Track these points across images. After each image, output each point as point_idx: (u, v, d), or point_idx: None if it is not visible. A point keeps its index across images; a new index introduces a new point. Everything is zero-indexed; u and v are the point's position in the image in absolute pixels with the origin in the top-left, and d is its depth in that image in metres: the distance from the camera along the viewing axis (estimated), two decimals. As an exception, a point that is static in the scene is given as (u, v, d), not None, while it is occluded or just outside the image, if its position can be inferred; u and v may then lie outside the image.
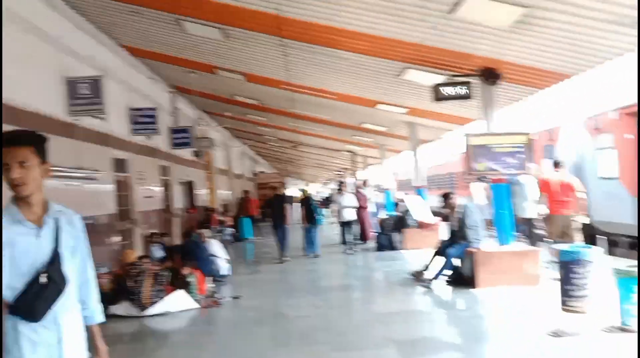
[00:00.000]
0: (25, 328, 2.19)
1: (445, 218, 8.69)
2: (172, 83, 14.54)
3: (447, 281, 8.21)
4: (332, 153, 25.15)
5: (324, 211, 18.26)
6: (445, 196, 8.49)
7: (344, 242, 13.18)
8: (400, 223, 13.28)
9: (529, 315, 6.11)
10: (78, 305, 2.37)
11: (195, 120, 17.35)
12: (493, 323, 6.23)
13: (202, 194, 18.10)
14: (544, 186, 8.75)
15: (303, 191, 16.56)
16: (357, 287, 8.94)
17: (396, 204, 15.45)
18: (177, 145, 14.11)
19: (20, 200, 2.24)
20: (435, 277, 8.06)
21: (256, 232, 17.58)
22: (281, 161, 39.48)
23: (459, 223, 8.07)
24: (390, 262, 11.09)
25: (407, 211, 13.59)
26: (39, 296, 2.17)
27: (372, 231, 14.21)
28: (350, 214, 12.99)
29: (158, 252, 10.21)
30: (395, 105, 11.47)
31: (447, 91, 7.70)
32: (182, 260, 8.21)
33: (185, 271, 7.62)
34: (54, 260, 2.23)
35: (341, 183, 13.93)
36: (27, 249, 2.19)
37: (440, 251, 8.57)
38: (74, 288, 2.33)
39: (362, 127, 15.51)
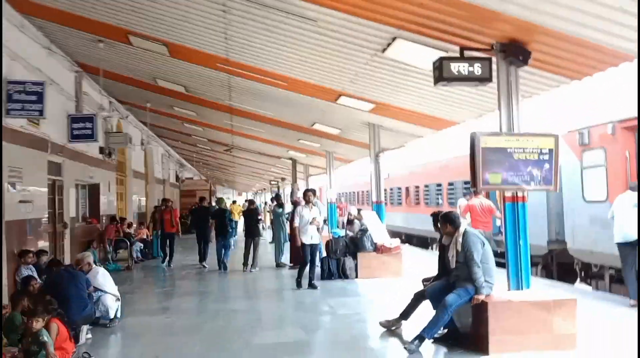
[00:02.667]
0: None
1: (441, 248, 6.26)
2: (79, 59, 11.45)
3: (435, 338, 5.83)
4: (271, 160, 22.41)
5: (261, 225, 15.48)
6: (441, 217, 6.03)
7: (305, 277, 9.59)
8: (353, 245, 10.95)
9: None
10: None
11: (108, 110, 14.20)
12: None
13: (110, 201, 14.89)
14: (472, 210, 10.56)
15: (219, 199, 15.48)
16: (310, 345, 6.07)
17: (348, 223, 13.04)
18: (76, 137, 11.09)
19: None
20: (425, 335, 5.64)
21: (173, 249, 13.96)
22: (211, 167, 36.14)
23: (463, 256, 5.68)
24: (345, 298, 8.76)
25: (362, 231, 11.28)
26: None
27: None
28: (316, 236, 9.59)
29: (31, 278, 7.21)
30: (361, 99, 9.02)
31: (459, 68, 5.29)
32: (41, 302, 5.12)
33: (36, 324, 4.66)
34: None
35: (308, 191, 10.04)
36: None
37: (426, 295, 6.16)
38: None
39: (313, 129, 12.92)
